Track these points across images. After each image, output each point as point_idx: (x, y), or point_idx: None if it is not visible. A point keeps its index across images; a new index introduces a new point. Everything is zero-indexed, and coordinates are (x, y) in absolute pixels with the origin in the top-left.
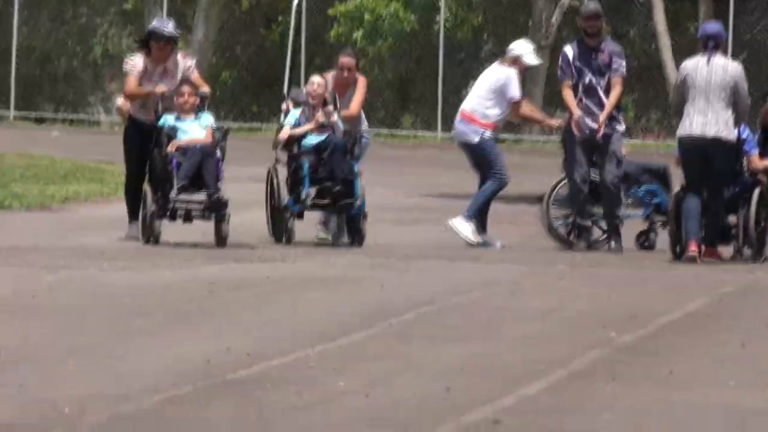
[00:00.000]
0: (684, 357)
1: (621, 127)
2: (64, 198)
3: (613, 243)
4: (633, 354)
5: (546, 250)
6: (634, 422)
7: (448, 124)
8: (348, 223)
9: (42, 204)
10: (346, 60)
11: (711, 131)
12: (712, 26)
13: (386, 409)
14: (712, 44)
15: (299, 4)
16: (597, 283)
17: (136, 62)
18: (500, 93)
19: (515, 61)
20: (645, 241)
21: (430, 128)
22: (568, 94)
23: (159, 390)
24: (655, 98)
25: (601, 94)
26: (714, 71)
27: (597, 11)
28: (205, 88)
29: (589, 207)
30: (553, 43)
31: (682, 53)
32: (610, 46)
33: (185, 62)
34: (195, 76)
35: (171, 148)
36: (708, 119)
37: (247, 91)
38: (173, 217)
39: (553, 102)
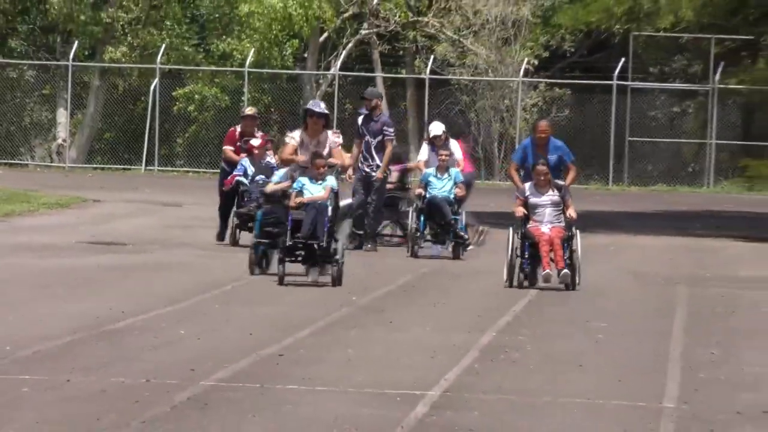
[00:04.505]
0: (399, 312)
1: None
2: (4, 213)
3: (369, 244)
4: (367, 311)
5: None
6: (366, 353)
7: None
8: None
9: None
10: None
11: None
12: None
13: (211, 348)
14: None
15: (155, 89)
16: (356, 265)
17: (294, 135)
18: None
19: (429, 136)
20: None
21: None
22: (356, 148)
23: (65, 335)
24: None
25: (373, 150)
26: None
27: (370, 94)
28: (346, 161)
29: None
30: None
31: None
32: (383, 118)
33: (333, 138)
34: (337, 150)
35: (292, 201)
36: None
37: (122, 144)
38: (295, 260)
39: None
